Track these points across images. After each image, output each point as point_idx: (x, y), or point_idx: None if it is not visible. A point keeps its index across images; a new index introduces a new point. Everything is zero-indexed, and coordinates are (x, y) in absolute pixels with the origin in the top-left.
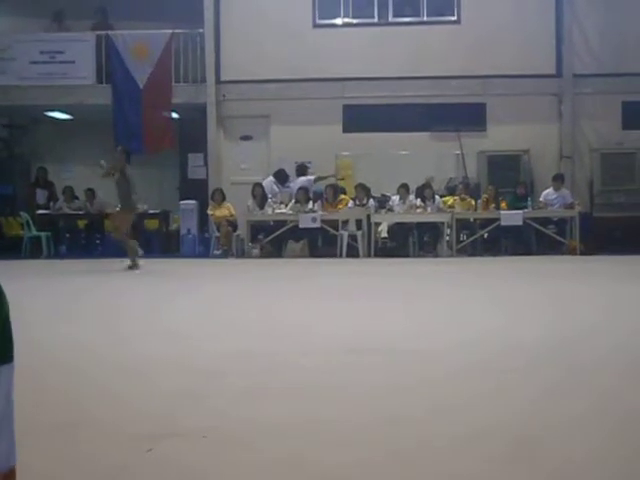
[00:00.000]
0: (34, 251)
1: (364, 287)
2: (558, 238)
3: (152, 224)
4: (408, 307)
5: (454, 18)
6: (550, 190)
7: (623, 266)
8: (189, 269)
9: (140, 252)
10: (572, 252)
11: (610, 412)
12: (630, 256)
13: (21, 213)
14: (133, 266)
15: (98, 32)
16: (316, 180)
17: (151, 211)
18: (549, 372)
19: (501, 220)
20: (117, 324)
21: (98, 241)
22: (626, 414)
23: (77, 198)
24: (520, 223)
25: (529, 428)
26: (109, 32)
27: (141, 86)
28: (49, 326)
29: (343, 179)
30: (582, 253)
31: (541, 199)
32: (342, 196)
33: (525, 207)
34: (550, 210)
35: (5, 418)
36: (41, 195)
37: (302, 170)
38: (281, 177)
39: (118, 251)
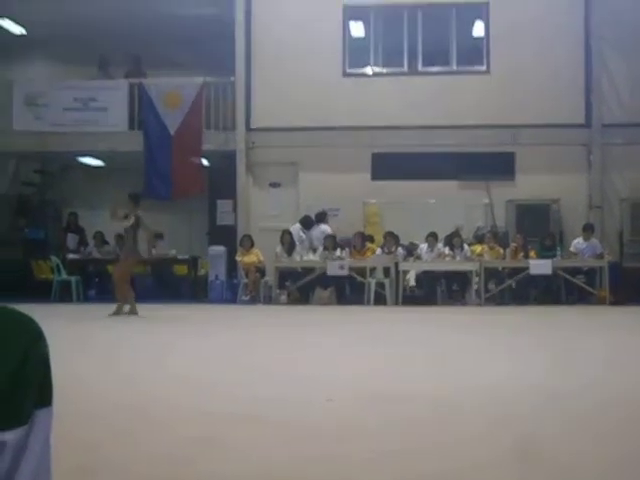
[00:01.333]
0: (63, 295)
1: (390, 334)
2: (587, 288)
3: (181, 270)
4: (433, 355)
5: (484, 68)
6: (580, 240)
7: None
8: (216, 315)
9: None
10: (601, 302)
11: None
12: None
13: (52, 257)
14: (131, 312)
15: (131, 80)
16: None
17: (180, 257)
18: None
19: (530, 269)
20: (134, 368)
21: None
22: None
23: (107, 243)
24: (549, 272)
25: None
26: (142, 80)
27: (172, 133)
28: (70, 368)
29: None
30: (612, 303)
31: (571, 248)
32: (369, 244)
33: (554, 256)
34: (579, 259)
35: (43, 464)
36: (72, 240)
37: (321, 218)
38: (307, 223)
39: (146, 296)
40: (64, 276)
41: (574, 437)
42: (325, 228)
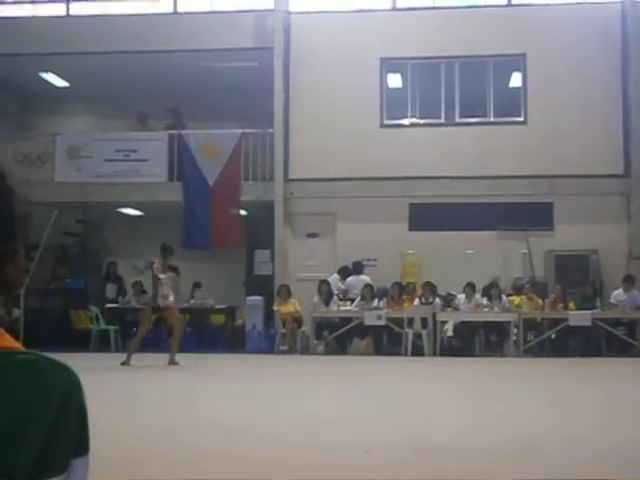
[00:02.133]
0: (102, 344)
1: (428, 386)
2: (628, 340)
3: (218, 319)
4: (470, 406)
5: (521, 119)
6: (620, 291)
7: None
8: (253, 365)
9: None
10: None
11: None
12: None
13: (91, 307)
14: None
15: (171, 131)
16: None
17: (217, 306)
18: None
19: (569, 320)
20: (170, 417)
21: (165, 336)
22: None
23: (146, 292)
24: (589, 324)
25: None
26: (181, 132)
27: (211, 184)
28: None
29: None
30: None
31: (611, 300)
32: (409, 294)
33: (594, 307)
34: (620, 311)
35: None
36: (111, 289)
37: (359, 268)
38: (345, 273)
39: (183, 345)
40: (103, 326)
41: None
42: (364, 278)
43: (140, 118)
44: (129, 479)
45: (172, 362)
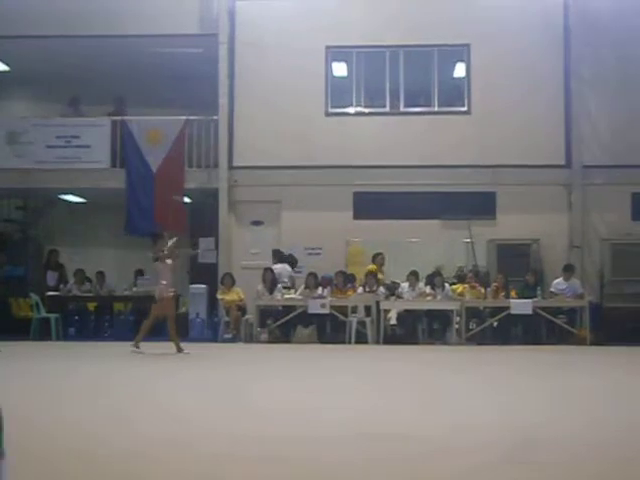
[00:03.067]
0: (43, 333)
1: (371, 373)
2: (568, 328)
3: None
4: (412, 394)
5: (464, 109)
6: (560, 280)
7: (633, 357)
8: (197, 353)
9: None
10: (582, 342)
11: None
12: None
13: (31, 294)
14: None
15: (114, 117)
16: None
17: None
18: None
19: (511, 309)
20: (120, 407)
21: (107, 324)
22: None
23: (89, 280)
24: (530, 312)
25: None
26: (124, 118)
27: (154, 170)
28: (53, 410)
29: None
30: (592, 343)
31: (552, 289)
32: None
33: (535, 296)
34: (560, 299)
35: None
36: (51, 277)
37: (280, 257)
38: (290, 262)
39: (126, 334)
40: (43, 314)
41: None
42: (285, 267)
43: (71, 103)
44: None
45: (179, 349)
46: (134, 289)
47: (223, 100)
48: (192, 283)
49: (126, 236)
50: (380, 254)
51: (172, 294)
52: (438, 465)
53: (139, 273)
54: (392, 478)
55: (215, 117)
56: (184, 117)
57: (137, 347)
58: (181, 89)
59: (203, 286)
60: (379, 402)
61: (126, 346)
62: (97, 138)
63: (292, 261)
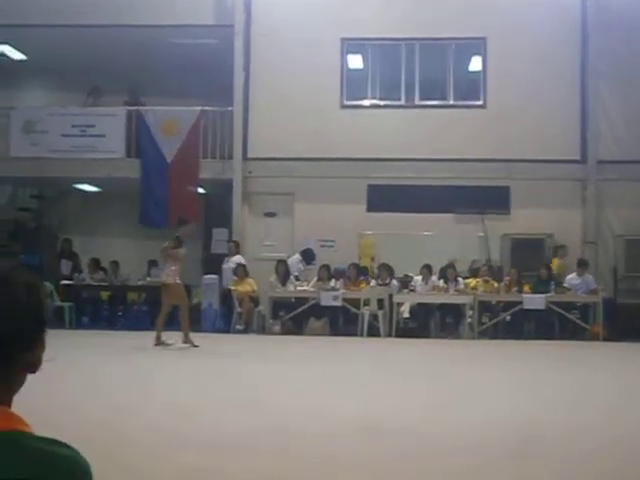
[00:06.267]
0: (56, 321)
1: (383, 366)
2: (581, 323)
3: None
4: (423, 388)
5: (480, 102)
6: (574, 275)
7: None
8: (209, 345)
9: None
10: (595, 338)
11: None
12: None
13: (45, 283)
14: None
15: (129, 107)
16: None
17: None
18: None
19: (524, 303)
20: (122, 397)
21: (120, 313)
22: None
23: (103, 270)
24: (543, 307)
25: None
26: (140, 107)
27: (169, 160)
28: (64, 401)
29: None
30: (605, 339)
31: (565, 284)
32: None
33: (548, 291)
34: (573, 295)
35: None
36: (65, 266)
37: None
38: (308, 256)
39: (139, 324)
40: (57, 302)
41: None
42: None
43: (91, 92)
44: None
45: (187, 341)
46: (148, 279)
47: (238, 91)
48: (205, 274)
49: (139, 227)
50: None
51: (178, 282)
52: (444, 461)
53: (153, 263)
54: (398, 472)
55: (230, 108)
56: (199, 108)
57: (160, 343)
58: (197, 80)
59: (216, 277)
60: (389, 396)
61: (139, 336)
62: (112, 128)
63: (311, 255)
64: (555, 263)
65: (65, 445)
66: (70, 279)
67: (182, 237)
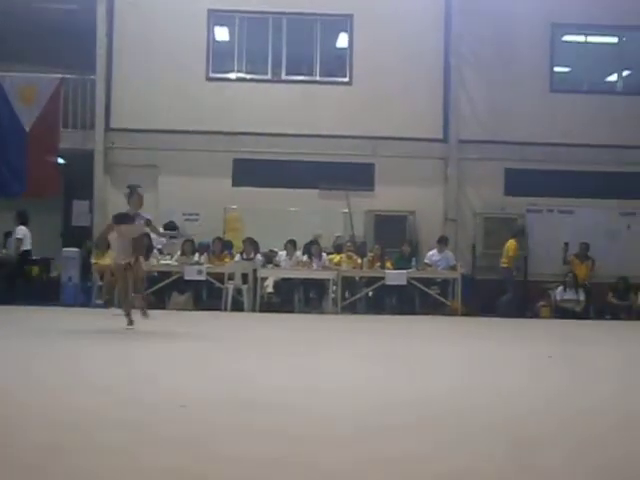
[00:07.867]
0: None
1: (246, 340)
2: (441, 299)
3: (32, 271)
4: (281, 361)
5: (346, 79)
6: (434, 251)
7: (501, 328)
8: (66, 320)
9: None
10: (454, 313)
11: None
12: (510, 319)
13: None
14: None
15: None
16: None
17: (32, 258)
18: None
19: (386, 279)
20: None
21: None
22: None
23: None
24: (404, 283)
25: None
26: None
27: (27, 129)
28: None
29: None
30: (463, 314)
31: (425, 260)
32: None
33: (410, 267)
34: (433, 271)
35: None
36: None
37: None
38: (170, 229)
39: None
40: None
41: None
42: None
43: None
44: None
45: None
46: (3, 251)
47: (101, 60)
48: (65, 246)
49: None
50: None
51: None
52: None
53: (8, 235)
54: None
55: (92, 76)
56: (60, 75)
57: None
58: (58, 46)
59: (76, 250)
60: (253, 369)
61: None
62: None
63: (173, 228)
64: (512, 245)
65: None
66: None
67: (130, 211)
